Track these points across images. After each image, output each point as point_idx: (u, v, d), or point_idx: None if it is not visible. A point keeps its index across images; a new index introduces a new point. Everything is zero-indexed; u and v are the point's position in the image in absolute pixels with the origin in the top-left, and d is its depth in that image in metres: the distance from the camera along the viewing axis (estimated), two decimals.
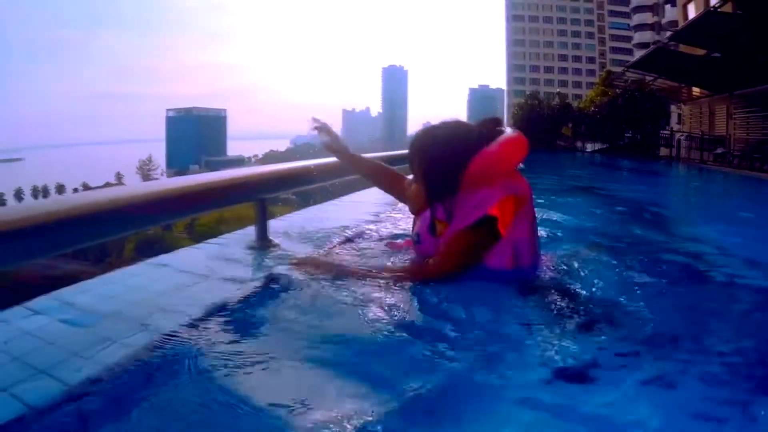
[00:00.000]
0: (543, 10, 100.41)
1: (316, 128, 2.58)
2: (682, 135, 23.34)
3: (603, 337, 1.59)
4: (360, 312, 1.74)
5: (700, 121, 25.38)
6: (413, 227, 2.23)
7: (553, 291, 1.91)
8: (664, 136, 24.76)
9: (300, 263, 2.19)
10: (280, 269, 2.19)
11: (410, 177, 2.30)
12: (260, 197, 2.60)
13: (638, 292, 2.03)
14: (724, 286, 2.36)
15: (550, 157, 19.57)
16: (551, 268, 2.14)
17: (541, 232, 2.93)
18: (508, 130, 2.14)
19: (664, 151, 23.85)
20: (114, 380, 1.42)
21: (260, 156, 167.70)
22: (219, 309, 1.85)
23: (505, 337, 1.62)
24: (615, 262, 2.46)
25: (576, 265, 2.24)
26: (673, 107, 29.41)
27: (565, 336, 1.58)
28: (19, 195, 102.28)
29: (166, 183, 2.00)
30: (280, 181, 2.64)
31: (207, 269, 2.42)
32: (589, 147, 26.34)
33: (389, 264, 2.20)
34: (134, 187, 1.95)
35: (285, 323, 1.75)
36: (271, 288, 2.02)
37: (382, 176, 2.62)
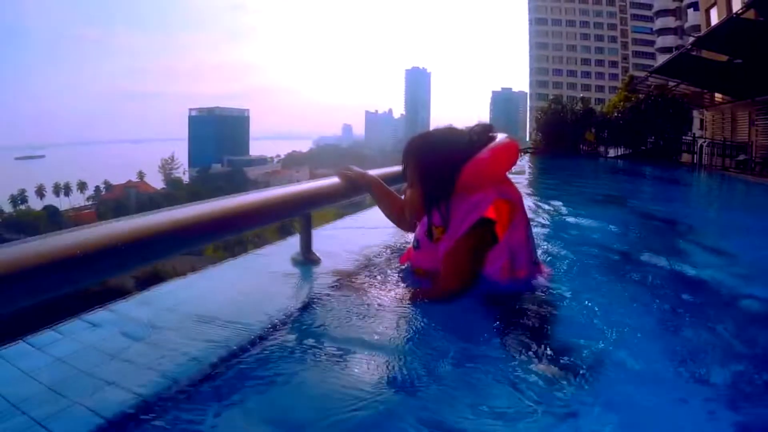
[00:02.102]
0: (566, 13, 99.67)
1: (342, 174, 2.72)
2: (704, 141, 23.07)
3: (584, 379, 1.53)
4: (397, 337, 1.81)
5: (723, 127, 25.17)
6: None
7: (541, 315, 1.91)
8: (686, 142, 24.47)
9: (342, 283, 2.32)
10: (327, 285, 2.30)
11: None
12: (306, 212, 2.67)
13: (635, 319, 1.98)
14: (737, 321, 2.21)
15: (575, 163, 19.49)
16: (548, 284, 2.15)
17: (549, 242, 2.94)
18: (500, 136, 2.17)
19: (686, 157, 23.56)
20: (183, 393, 1.46)
21: (282, 156, 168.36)
22: (276, 322, 1.91)
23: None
24: (621, 280, 2.49)
25: (575, 281, 2.29)
26: (695, 113, 29.09)
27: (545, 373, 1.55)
28: (41, 192, 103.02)
29: (225, 202, 2.04)
30: (325, 196, 2.70)
31: (259, 282, 2.52)
32: (612, 152, 26.10)
33: (408, 286, 2.20)
34: (197, 207, 2.01)
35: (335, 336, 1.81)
36: (321, 303, 2.11)
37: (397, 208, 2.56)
